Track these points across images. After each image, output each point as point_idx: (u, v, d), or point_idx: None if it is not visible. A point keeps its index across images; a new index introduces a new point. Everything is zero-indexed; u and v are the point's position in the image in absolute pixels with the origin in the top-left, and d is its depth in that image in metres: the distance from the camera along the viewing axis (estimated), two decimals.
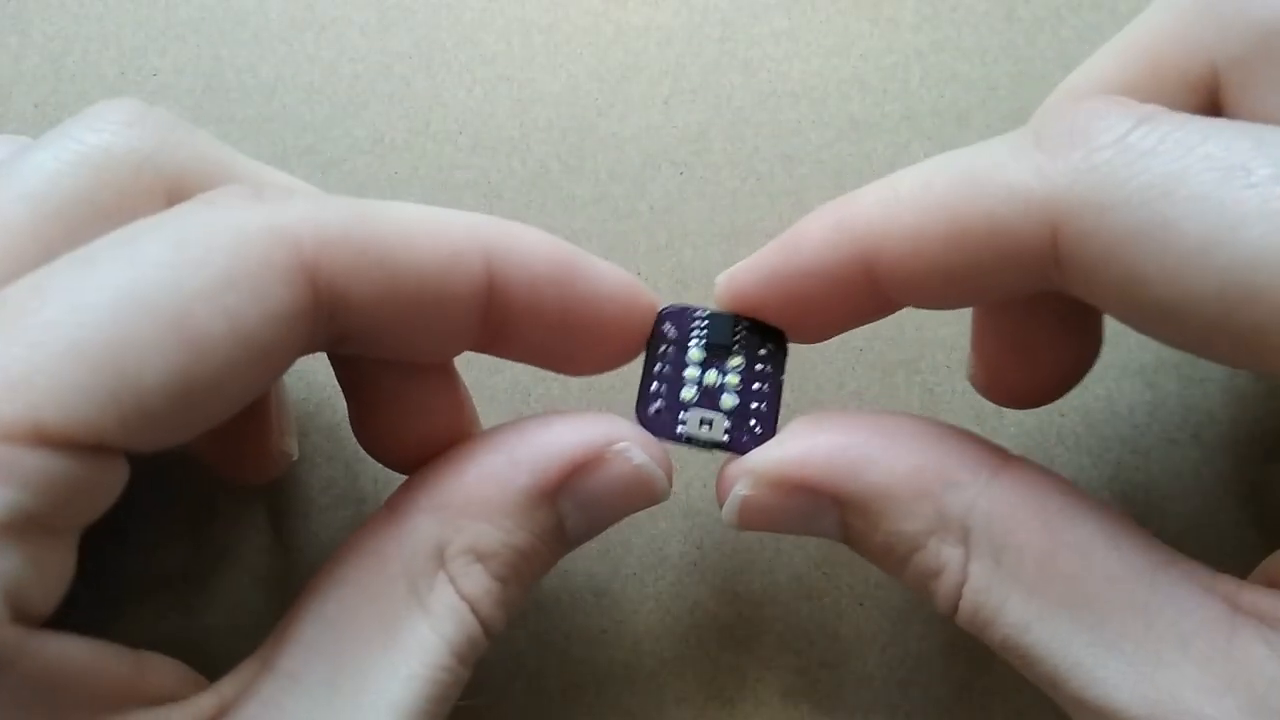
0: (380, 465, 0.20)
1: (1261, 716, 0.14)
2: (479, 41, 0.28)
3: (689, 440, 0.19)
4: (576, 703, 0.23)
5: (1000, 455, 0.18)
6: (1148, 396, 0.25)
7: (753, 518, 0.19)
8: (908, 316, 0.25)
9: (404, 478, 0.19)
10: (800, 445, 0.18)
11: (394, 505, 0.18)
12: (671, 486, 0.19)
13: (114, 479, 0.15)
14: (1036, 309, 0.19)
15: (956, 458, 0.17)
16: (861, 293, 0.18)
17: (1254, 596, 0.15)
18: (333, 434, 0.25)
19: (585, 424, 0.18)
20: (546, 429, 0.18)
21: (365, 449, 0.20)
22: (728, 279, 0.19)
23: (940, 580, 0.17)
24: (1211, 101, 0.17)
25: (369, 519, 0.18)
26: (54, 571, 0.15)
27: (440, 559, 0.17)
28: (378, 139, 0.27)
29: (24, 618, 0.14)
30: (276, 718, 0.16)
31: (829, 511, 0.18)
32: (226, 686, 0.16)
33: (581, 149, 0.27)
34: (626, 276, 0.19)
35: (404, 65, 0.28)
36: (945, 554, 0.17)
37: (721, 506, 0.19)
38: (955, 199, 0.16)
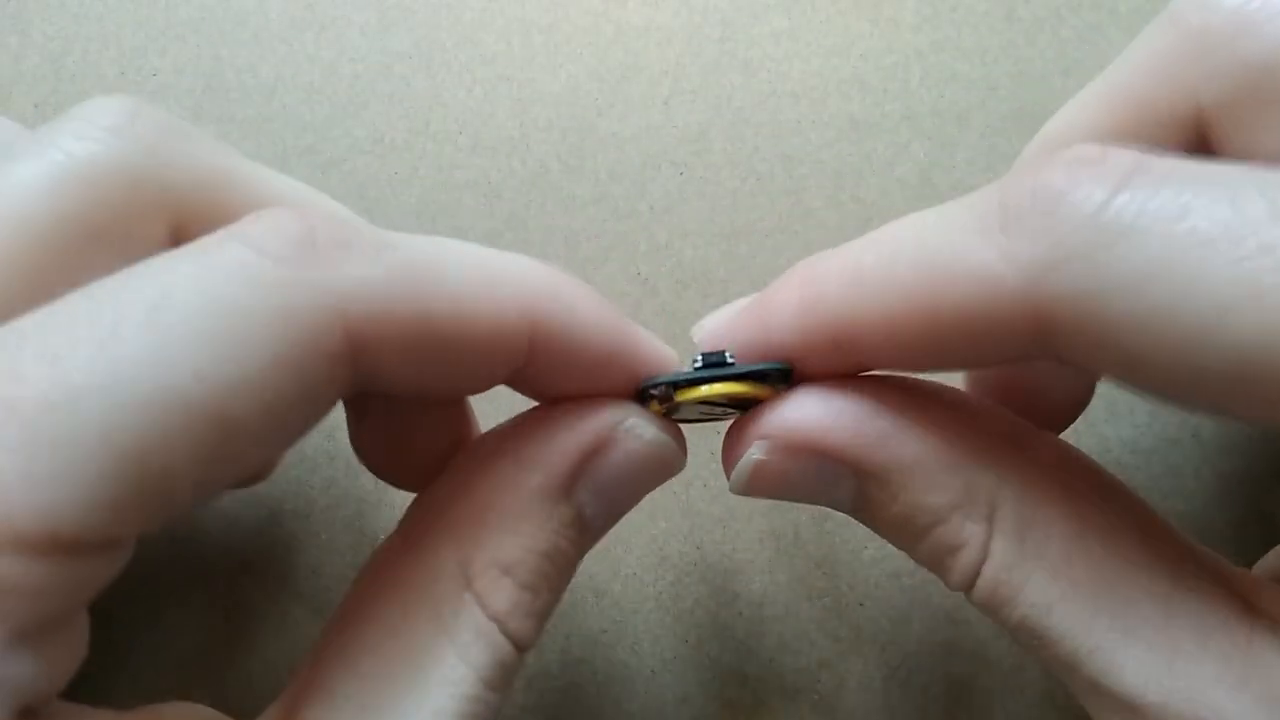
0: None
1: (1278, 716, 0.14)
2: (479, 41, 0.28)
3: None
4: (576, 703, 0.23)
5: (1030, 431, 0.17)
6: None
7: (764, 484, 0.18)
8: None
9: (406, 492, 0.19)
10: (822, 408, 0.17)
11: (408, 534, 0.17)
12: (686, 455, 0.19)
13: (125, 556, 0.14)
14: (1027, 362, 0.18)
15: (988, 431, 0.17)
16: (837, 364, 0.17)
17: (1272, 596, 0.15)
18: (333, 434, 0.25)
19: (590, 410, 0.17)
20: (550, 423, 0.17)
21: (365, 464, 0.19)
22: (706, 334, 0.18)
23: (959, 556, 0.17)
24: (1199, 139, 0.17)
25: (382, 550, 0.18)
26: (66, 654, 0.14)
27: (464, 580, 0.16)
28: (378, 139, 0.27)
29: (35, 711, 0.14)
30: None
31: (845, 479, 0.17)
32: None
33: (581, 149, 0.27)
34: (665, 352, 0.18)
35: (404, 65, 0.28)
36: (968, 530, 0.16)
37: (728, 471, 0.18)
38: (922, 288, 0.15)
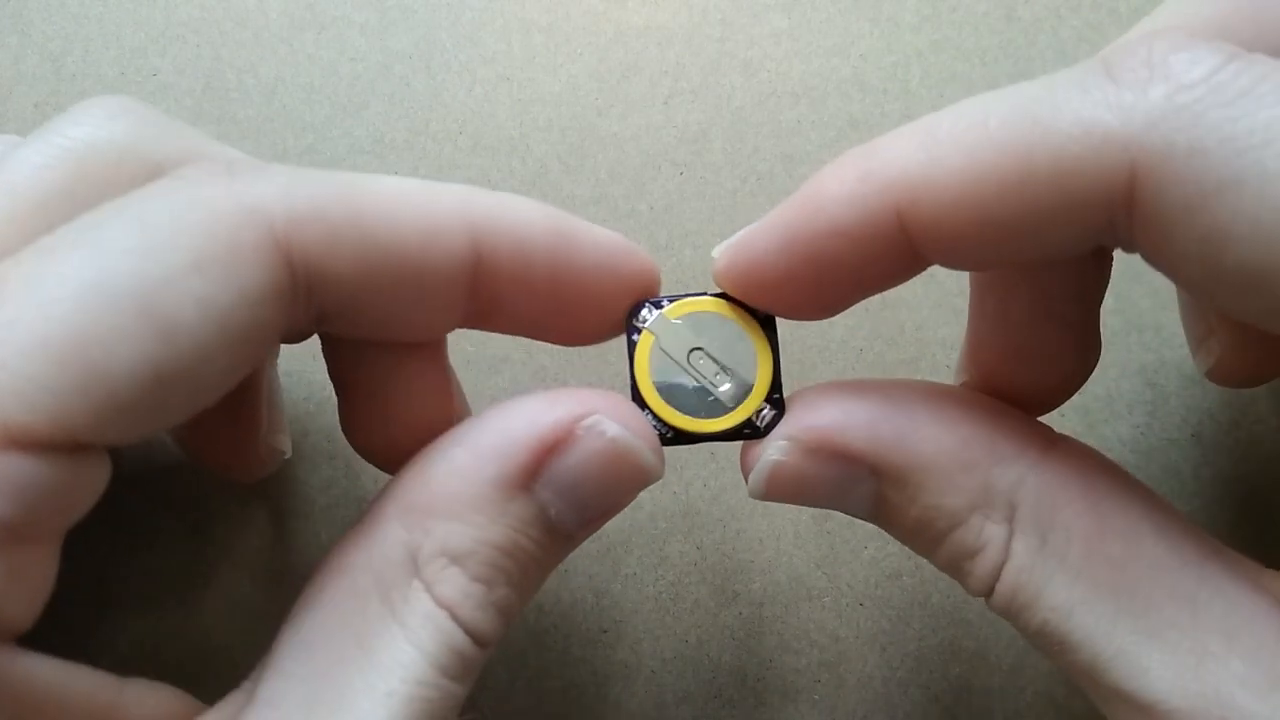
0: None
1: None
2: (479, 41, 0.28)
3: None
4: (576, 703, 0.23)
5: (1049, 433, 0.17)
6: (1148, 396, 0.25)
7: (781, 487, 0.17)
8: (908, 316, 0.25)
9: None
10: (839, 411, 0.17)
11: (365, 515, 0.17)
12: (664, 463, 0.18)
13: (94, 477, 0.14)
14: (1045, 312, 0.18)
15: (1006, 431, 0.17)
16: (890, 255, 0.16)
17: None
18: (333, 434, 0.25)
19: (553, 401, 0.17)
20: (511, 414, 0.17)
21: (354, 447, 0.19)
22: (730, 254, 0.17)
23: (978, 560, 0.16)
24: None
25: (343, 536, 0.17)
26: (32, 582, 0.14)
27: (413, 565, 0.16)
28: (378, 139, 0.27)
29: (4, 634, 0.14)
30: None
31: (863, 482, 0.17)
32: (213, 716, 0.16)
33: (581, 149, 0.27)
34: (619, 240, 0.18)
35: (404, 65, 0.28)
36: (988, 531, 0.16)
37: (746, 474, 0.18)
38: (1013, 137, 0.14)
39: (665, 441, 0.18)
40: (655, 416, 0.18)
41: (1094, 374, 0.20)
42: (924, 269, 0.17)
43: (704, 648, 0.23)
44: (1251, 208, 0.12)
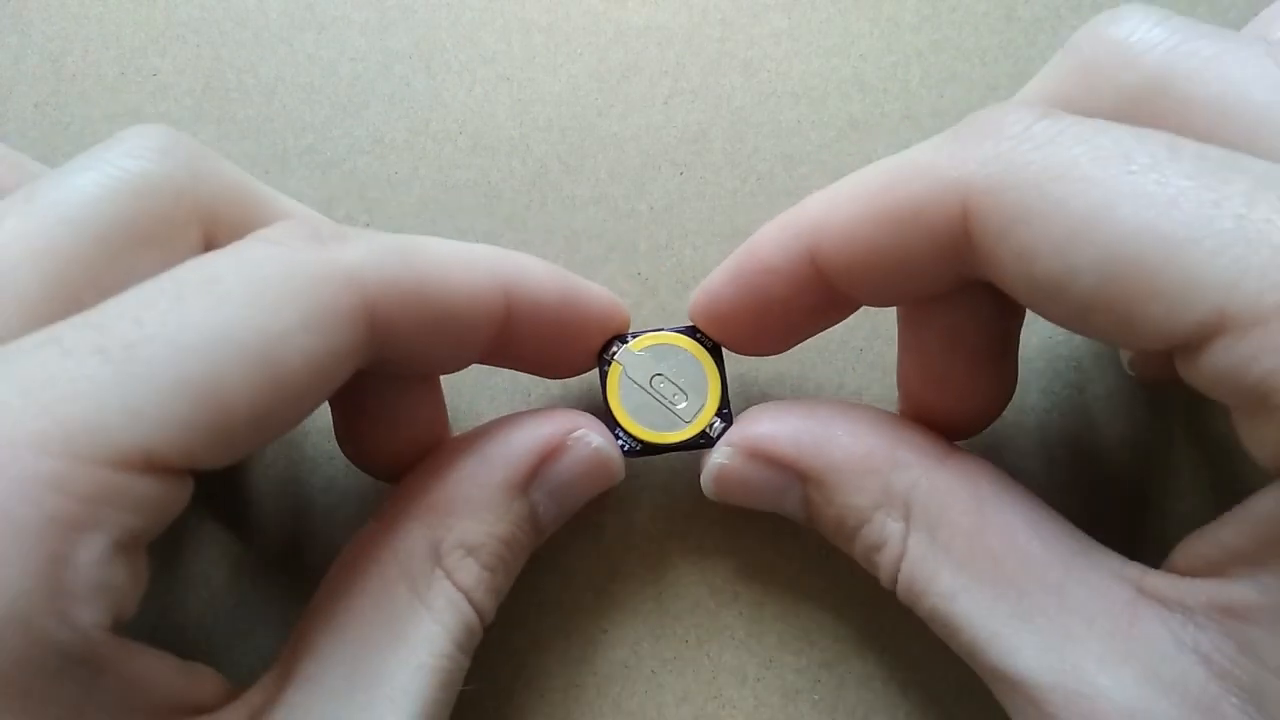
0: None
1: (1153, 686, 0.16)
2: (479, 41, 0.28)
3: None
4: (576, 702, 0.23)
5: (946, 446, 0.20)
6: (1147, 396, 0.25)
7: (727, 487, 0.21)
8: None
9: (389, 485, 0.21)
10: (771, 424, 0.21)
11: (384, 517, 0.20)
12: (624, 468, 0.22)
13: (188, 494, 0.16)
14: (957, 345, 0.20)
15: (906, 443, 0.20)
16: (813, 288, 0.19)
17: (1156, 582, 0.17)
18: (333, 434, 0.25)
19: (546, 419, 0.21)
20: (513, 429, 0.21)
21: (349, 456, 0.21)
22: (699, 295, 0.21)
23: (883, 553, 0.19)
24: None
25: (361, 533, 0.20)
26: (141, 582, 0.16)
27: (435, 557, 0.19)
28: (378, 139, 0.27)
29: (119, 627, 0.15)
30: (304, 718, 0.17)
31: (794, 486, 0.20)
32: (255, 695, 0.18)
33: (581, 149, 0.27)
34: (609, 296, 0.22)
35: (404, 65, 0.28)
36: (889, 528, 0.19)
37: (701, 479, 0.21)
38: (882, 187, 0.18)
39: (635, 454, 0.22)
40: (625, 432, 0.21)
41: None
42: (855, 307, 0.20)
43: (704, 648, 0.23)
44: (1043, 228, 0.15)
